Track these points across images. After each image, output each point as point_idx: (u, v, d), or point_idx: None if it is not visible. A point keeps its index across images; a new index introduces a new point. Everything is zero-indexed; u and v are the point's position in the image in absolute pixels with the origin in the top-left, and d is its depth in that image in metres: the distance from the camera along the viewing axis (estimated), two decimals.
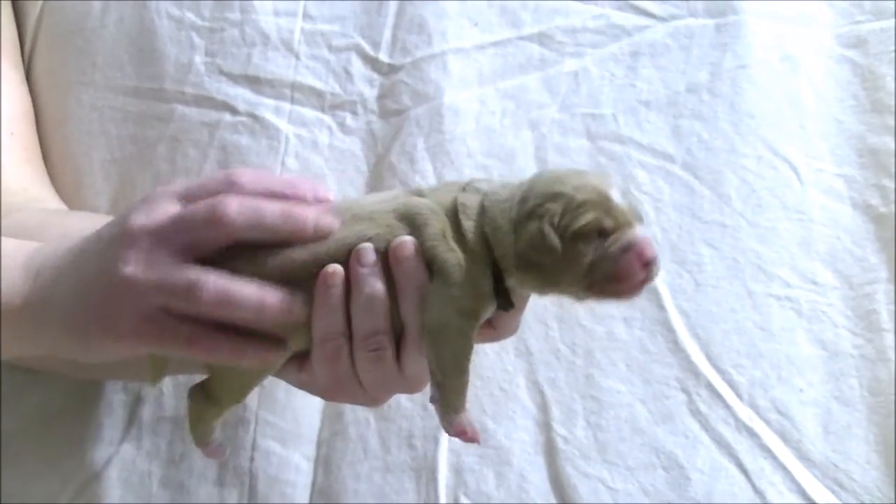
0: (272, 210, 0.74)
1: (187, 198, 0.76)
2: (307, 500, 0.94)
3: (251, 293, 0.73)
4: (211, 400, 0.83)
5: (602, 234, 0.74)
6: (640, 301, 0.94)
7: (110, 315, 0.75)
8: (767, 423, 0.94)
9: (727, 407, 0.94)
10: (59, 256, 0.81)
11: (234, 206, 0.74)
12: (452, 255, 0.76)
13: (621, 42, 0.98)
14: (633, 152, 0.96)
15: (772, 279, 0.95)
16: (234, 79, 0.98)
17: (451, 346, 0.75)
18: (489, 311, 0.77)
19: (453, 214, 0.77)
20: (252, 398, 0.95)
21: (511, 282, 0.76)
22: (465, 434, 0.76)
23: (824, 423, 0.94)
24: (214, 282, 0.73)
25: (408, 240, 0.75)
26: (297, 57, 0.98)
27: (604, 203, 0.74)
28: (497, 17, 0.99)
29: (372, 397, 0.80)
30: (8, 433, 0.98)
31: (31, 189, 0.97)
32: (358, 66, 0.98)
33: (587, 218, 0.74)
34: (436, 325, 0.75)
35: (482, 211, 0.76)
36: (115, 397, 0.98)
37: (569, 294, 0.76)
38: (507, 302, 0.77)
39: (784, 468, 0.93)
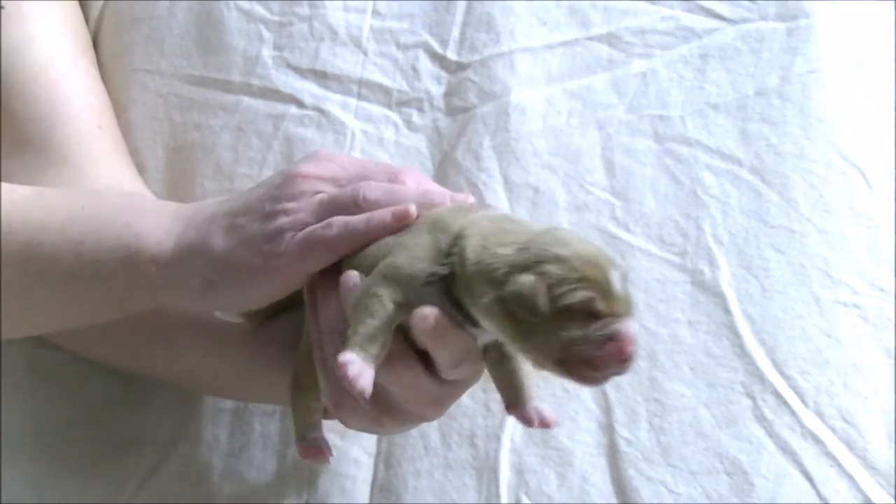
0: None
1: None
2: (367, 495, 0.93)
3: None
4: (299, 386, 0.83)
5: (592, 315, 0.71)
6: (706, 305, 0.94)
7: (270, 238, 0.80)
8: (833, 430, 0.93)
9: (793, 413, 0.93)
10: (211, 206, 0.86)
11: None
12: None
13: (691, 44, 0.97)
14: (701, 155, 0.96)
15: (839, 286, 0.95)
16: (302, 73, 0.98)
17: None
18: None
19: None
20: None
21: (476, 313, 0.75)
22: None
23: (890, 431, 0.93)
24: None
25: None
26: (366, 53, 0.98)
27: (603, 284, 0.71)
28: (566, 17, 0.98)
29: None
30: (68, 424, 0.99)
31: (125, 181, 0.97)
32: (425, 64, 0.97)
33: (582, 295, 0.71)
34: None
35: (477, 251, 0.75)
36: (174, 388, 0.98)
37: (532, 358, 0.74)
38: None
39: (849, 476, 0.92)
